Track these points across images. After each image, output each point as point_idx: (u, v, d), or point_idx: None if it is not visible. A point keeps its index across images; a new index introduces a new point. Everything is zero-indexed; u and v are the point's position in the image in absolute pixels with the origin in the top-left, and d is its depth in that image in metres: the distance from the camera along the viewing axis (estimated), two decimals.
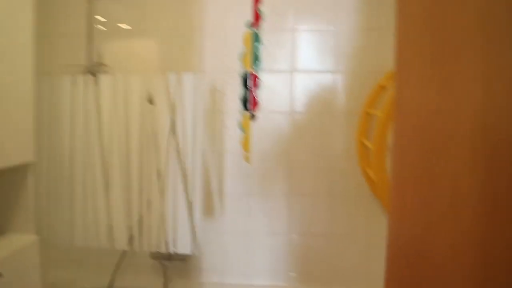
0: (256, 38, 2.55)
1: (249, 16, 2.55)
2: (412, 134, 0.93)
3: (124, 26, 2.68)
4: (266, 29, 2.55)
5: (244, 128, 2.61)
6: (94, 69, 2.62)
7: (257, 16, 2.55)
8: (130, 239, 2.38)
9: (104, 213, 2.40)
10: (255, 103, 2.59)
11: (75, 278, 2.74)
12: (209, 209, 2.67)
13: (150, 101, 2.32)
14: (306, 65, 2.55)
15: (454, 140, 0.76)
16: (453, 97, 0.77)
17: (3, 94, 1.83)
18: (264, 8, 2.54)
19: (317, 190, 2.59)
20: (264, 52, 2.56)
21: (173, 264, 2.68)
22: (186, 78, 2.26)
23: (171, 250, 2.30)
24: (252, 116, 2.60)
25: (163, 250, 2.32)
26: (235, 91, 2.60)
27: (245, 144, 2.62)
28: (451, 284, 0.76)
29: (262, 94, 2.58)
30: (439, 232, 0.80)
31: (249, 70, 2.57)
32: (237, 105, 2.60)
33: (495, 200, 0.66)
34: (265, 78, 2.57)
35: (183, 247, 2.29)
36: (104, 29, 2.68)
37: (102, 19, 2.68)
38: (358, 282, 2.61)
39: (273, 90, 2.58)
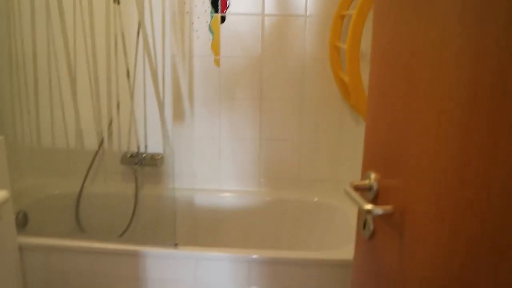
0: None
1: None
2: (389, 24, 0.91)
3: None
4: None
5: (213, 31, 2.53)
6: None
7: None
8: (100, 142, 2.35)
9: (72, 114, 2.34)
10: (224, 4, 2.49)
11: (44, 184, 2.73)
12: (178, 114, 2.64)
13: (116, 0, 2.21)
14: None
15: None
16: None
17: None
18: None
19: (288, 96, 2.59)
20: None
21: (144, 170, 2.69)
22: None
23: (142, 150, 2.29)
24: (222, 18, 2.51)
25: (134, 150, 2.30)
26: None
27: (215, 47, 2.55)
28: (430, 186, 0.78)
29: None
30: (413, 136, 0.81)
31: None
32: (206, 6, 2.50)
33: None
34: None
35: (154, 147, 2.28)
36: None
37: None
38: (327, 188, 2.70)
39: None
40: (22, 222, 2.35)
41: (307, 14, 2.48)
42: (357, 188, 0.95)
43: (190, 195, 2.68)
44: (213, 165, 2.72)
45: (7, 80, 2.40)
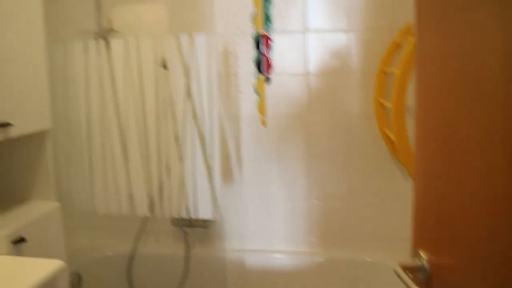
0: None
1: None
2: (433, 83, 0.90)
3: None
4: None
5: (259, 92, 2.58)
6: (104, 35, 2.60)
7: None
8: (151, 206, 2.40)
9: (124, 179, 2.42)
10: (268, 65, 2.55)
11: (98, 245, 2.79)
12: (227, 175, 2.67)
13: (164, 66, 2.30)
14: (319, 24, 2.49)
15: (479, 87, 0.73)
16: (475, 41, 0.73)
17: (16, 62, 1.83)
18: None
19: (335, 153, 2.57)
20: (275, 12, 2.50)
21: (194, 231, 2.70)
22: (198, 38, 2.23)
23: (192, 215, 2.31)
24: (267, 79, 2.56)
25: (184, 215, 2.33)
26: (248, 53, 2.56)
27: (261, 108, 2.59)
28: (481, 244, 0.74)
29: (276, 56, 2.54)
30: (466, 194, 0.78)
31: (261, 31, 2.52)
32: (251, 68, 2.57)
33: None
34: (277, 39, 2.53)
35: (204, 212, 2.30)
36: None
37: None
38: (378, 244, 2.61)
39: (286, 52, 2.53)
40: (77, 284, 2.40)
41: (352, 70, 2.49)
42: (408, 269, 0.92)
43: (240, 256, 2.66)
44: (263, 225, 2.71)
45: (64, 145, 2.52)
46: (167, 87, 2.32)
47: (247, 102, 2.60)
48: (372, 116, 2.50)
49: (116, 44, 2.36)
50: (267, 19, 2.51)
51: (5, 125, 1.72)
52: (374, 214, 2.60)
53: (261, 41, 2.52)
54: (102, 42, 2.40)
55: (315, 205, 2.64)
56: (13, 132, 1.78)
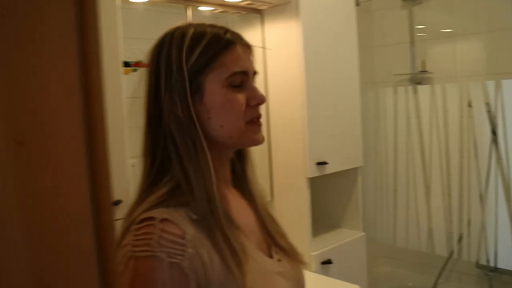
0: None
1: None
2: None
3: (446, 30, 2.72)
4: None
5: None
6: (417, 77, 2.76)
7: None
8: (449, 247, 2.41)
9: (425, 215, 2.50)
10: None
11: (399, 275, 2.93)
12: None
13: (469, 105, 2.31)
14: None
15: None
16: None
17: (340, 107, 2.18)
18: None
19: None
20: None
21: (502, 278, 2.55)
22: (505, 85, 2.16)
23: (491, 263, 2.22)
24: None
25: (483, 262, 2.26)
26: None
27: None
28: None
29: None
30: None
31: None
32: None
33: None
34: None
35: (503, 261, 2.18)
36: (425, 35, 2.79)
37: (423, 26, 2.80)
38: None
39: None
40: None
41: None
42: None
43: None
44: None
45: (372, 179, 2.77)
46: (471, 128, 2.31)
47: None
48: None
49: (423, 90, 2.50)
50: None
51: (322, 163, 2.07)
52: None
53: None
54: (411, 88, 2.58)
55: None
56: (328, 169, 2.11)
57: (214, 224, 0.80)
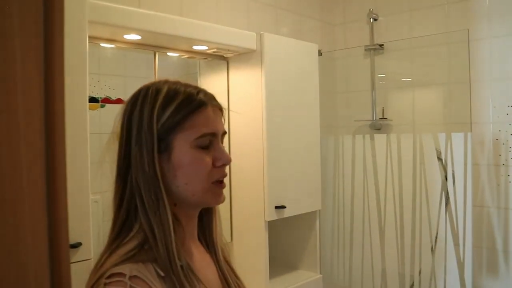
0: None
1: None
2: None
3: (405, 79, 2.87)
4: None
5: None
6: (377, 124, 2.87)
7: None
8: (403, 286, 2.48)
9: (379, 260, 2.58)
10: None
11: None
12: (493, 266, 2.53)
13: (439, 158, 2.43)
14: None
15: None
16: None
17: (300, 152, 2.26)
18: None
19: None
20: None
21: None
22: (455, 136, 2.31)
23: None
24: None
25: None
26: None
27: None
28: None
29: None
30: None
31: None
32: None
33: None
34: None
35: None
36: (384, 83, 2.94)
37: (383, 75, 2.94)
38: None
39: None
40: None
41: None
42: None
43: None
44: None
45: (329, 222, 2.84)
46: (423, 176, 2.43)
47: None
48: None
49: (379, 139, 2.63)
50: None
51: (280, 207, 2.13)
52: None
53: None
54: (367, 136, 2.70)
55: None
56: (286, 213, 2.18)
57: (176, 281, 0.82)
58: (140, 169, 0.86)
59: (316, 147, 2.39)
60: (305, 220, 2.42)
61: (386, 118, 2.88)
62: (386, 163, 2.60)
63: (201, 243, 1.00)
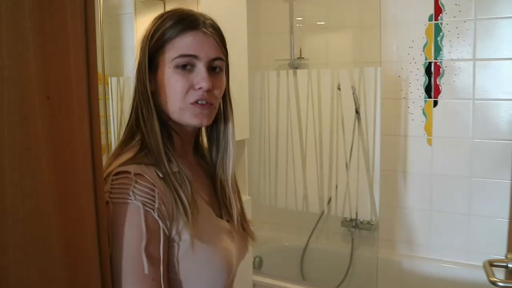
0: (437, 29, 2.74)
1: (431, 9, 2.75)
2: None
3: (320, 23, 3.16)
4: (446, 21, 2.71)
5: (427, 114, 2.83)
6: (295, 63, 3.15)
7: (439, 9, 2.73)
8: (321, 206, 2.87)
9: (301, 182, 2.95)
10: (437, 90, 2.78)
11: (278, 236, 3.35)
12: (393, 185, 2.96)
13: (338, 88, 2.77)
14: (488, 55, 2.63)
15: None
16: None
17: (231, 88, 2.44)
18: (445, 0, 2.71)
19: (499, 172, 2.66)
20: (446, 42, 2.73)
21: (360, 233, 3.04)
22: (367, 70, 2.65)
23: (354, 216, 2.74)
24: (435, 103, 2.80)
25: (348, 216, 2.78)
26: (420, 79, 2.82)
27: (428, 129, 2.84)
28: None
29: (444, 82, 2.76)
30: None
31: (432, 60, 2.78)
32: (421, 92, 2.83)
33: None
34: (448, 66, 2.74)
35: (363, 214, 2.71)
36: (301, 25, 3.20)
37: (301, 18, 3.20)
38: None
39: (455, 78, 2.73)
40: (258, 265, 2.97)
41: None
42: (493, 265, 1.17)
43: (399, 260, 2.93)
44: (424, 235, 2.92)
45: (256, 152, 3.14)
46: (340, 108, 2.78)
47: (415, 122, 2.87)
48: None
49: (302, 74, 2.92)
50: (437, 49, 2.75)
51: None
52: None
53: (431, 68, 2.78)
54: (291, 72, 2.97)
55: (474, 221, 2.76)
56: None
57: (171, 184, 0.90)
58: (138, 85, 0.95)
59: (244, 82, 2.60)
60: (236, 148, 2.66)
61: (303, 58, 3.15)
62: (307, 97, 2.91)
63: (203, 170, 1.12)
